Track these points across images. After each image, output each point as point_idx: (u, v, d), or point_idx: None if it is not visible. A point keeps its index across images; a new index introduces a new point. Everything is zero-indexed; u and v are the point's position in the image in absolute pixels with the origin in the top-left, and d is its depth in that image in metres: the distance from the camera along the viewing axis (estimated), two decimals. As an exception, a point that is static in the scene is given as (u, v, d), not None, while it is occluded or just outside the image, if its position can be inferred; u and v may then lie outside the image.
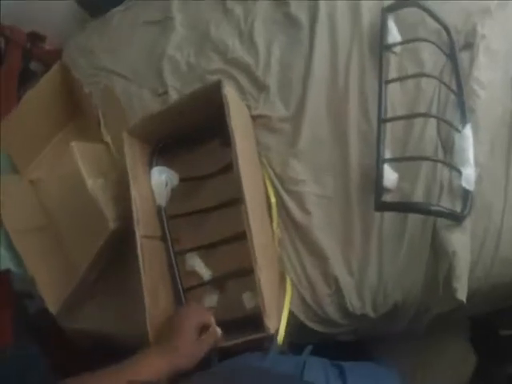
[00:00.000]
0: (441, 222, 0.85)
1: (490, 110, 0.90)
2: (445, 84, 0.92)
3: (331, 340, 0.98)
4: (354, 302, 0.91)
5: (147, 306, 0.89)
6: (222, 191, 1.03)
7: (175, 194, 1.07)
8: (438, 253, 0.84)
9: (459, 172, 0.83)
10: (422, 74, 0.96)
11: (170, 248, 1.02)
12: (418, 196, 0.89)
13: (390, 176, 0.89)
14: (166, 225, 1.03)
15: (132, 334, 1.00)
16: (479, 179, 0.85)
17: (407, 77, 0.97)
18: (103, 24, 1.41)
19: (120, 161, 1.09)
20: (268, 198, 1.02)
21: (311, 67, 1.07)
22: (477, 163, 0.85)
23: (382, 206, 0.85)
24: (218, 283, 1.02)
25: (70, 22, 1.48)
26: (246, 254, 0.94)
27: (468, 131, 0.87)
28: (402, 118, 0.93)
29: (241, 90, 1.13)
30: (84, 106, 1.26)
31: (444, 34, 0.99)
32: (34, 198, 1.20)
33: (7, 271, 1.13)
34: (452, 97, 0.94)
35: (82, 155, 0.99)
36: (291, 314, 0.92)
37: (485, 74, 0.93)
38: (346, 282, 0.91)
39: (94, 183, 0.99)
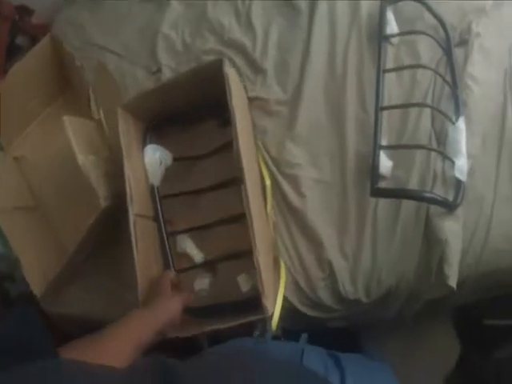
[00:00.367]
0: (434, 210, 0.88)
1: (483, 105, 0.93)
2: (441, 76, 0.95)
3: (322, 327, 1.00)
4: (347, 287, 0.93)
5: (139, 287, 0.89)
6: (216, 172, 1.03)
7: (168, 174, 1.06)
8: (431, 240, 0.87)
9: (452, 162, 0.87)
10: (419, 66, 0.99)
11: (163, 228, 1.01)
12: (413, 184, 0.92)
13: (385, 163, 0.92)
14: (159, 205, 1.02)
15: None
16: (471, 171, 0.88)
17: (405, 67, 1.00)
18: (95, -2, 1.38)
19: (111, 138, 1.08)
20: (263, 180, 1.02)
21: (309, 52, 1.08)
22: (469, 155, 0.88)
23: (378, 192, 0.87)
24: (210, 266, 1.02)
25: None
26: (240, 237, 0.95)
27: (461, 124, 0.90)
28: (399, 107, 0.96)
29: (237, 71, 1.12)
30: (74, 81, 1.22)
31: (440, 29, 1.02)
32: (19, 176, 1.16)
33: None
34: (446, 90, 0.97)
35: (73, 130, 0.97)
36: (284, 298, 0.92)
37: (478, 70, 0.96)
38: (340, 266, 0.93)
39: (85, 159, 0.97)
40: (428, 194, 0.86)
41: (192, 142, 1.07)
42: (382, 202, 0.93)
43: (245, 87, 1.11)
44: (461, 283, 0.83)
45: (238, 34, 1.17)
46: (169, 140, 1.08)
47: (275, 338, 0.86)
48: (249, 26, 1.17)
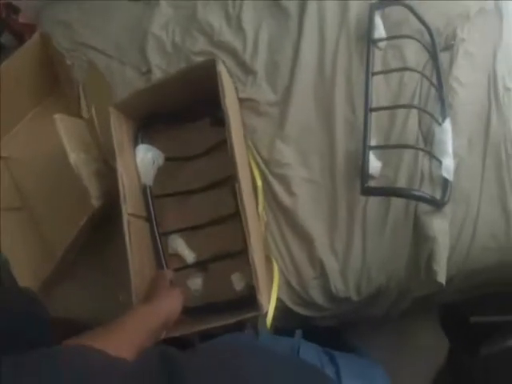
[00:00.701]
0: (422, 208, 0.92)
1: (468, 107, 0.98)
2: (427, 78, 0.99)
3: (312, 326, 1.02)
4: (338, 285, 0.96)
5: (133, 286, 0.90)
6: (208, 172, 1.05)
7: (160, 174, 1.08)
8: (420, 238, 0.90)
9: (439, 162, 0.91)
10: (406, 69, 1.03)
11: (155, 228, 1.03)
12: (401, 183, 0.95)
13: (374, 164, 0.95)
14: (151, 204, 1.04)
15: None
16: (457, 170, 0.92)
17: (393, 70, 1.04)
18: (83, -3, 1.39)
19: (102, 137, 1.10)
20: (254, 181, 1.04)
21: (299, 54, 1.11)
22: (455, 155, 0.92)
23: (368, 191, 0.91)
24: (202, 266, 1.04)
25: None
26: (231, 237, 0.98)
27: (447, 125, 0.94)
28: (388, 108, 0.99)
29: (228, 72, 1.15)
30: (63, 79, 1.23)
31: (426, 34, 1.07)
32: (6, 176, 1.16)
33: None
34: (432, 93, 1.01)
35: (65, 128, 0.98)
36: (276, 298, 0.94)
37: (463, 73, 1.01)
38: (331, 265, 0.96)
39: (77, 157, 0.98)
40: (417, 192, 0.91)
41: (184, 142, 1.09)
42: (372, 201, 0.97)
43: (236, 88, 1.14)
44: (449, 280, 0.86)
45: (228, 35, 1.19)
46: (160, 140, 1.09)
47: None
48: (239, 28, 1.19)
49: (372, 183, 0.94)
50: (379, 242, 0.95)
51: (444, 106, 0.98)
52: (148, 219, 1.04)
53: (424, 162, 0.96)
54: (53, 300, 1.09)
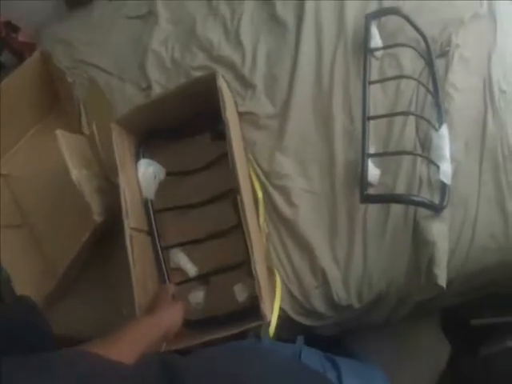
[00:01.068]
0: (421, 213, 0.97)
1: (464, 112, 1.04)
2: (423, 85, 1.05)
3: (314, 335, 1.06)
4: (340, 293, 1.00)
5: (136, 300, 0.94)
6: (209, 186, 1.11)
7: (161, 188, 1.14)
8: (419, 243, 0.95)
9: (437, 167, 0.95)
10: (403, 76, 1.09)
11: (158, 242, 1.08)
12: (400, 190, 1.01)
13: (372, 171, 1.01)
14: (153, 219, 1.09)
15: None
16: (455, 175, 0.97)
17: (389, 78, 1.10)
18: (83, 16, 1.48)
19: (103, 153, 1.15)
20: (254, 193, 1.10)
21: (297, 67, 1.18)
22: (452, 160, 0.97)
23: (367, 199, 0.96)
24: (204, 279, 1.08)
25: (45, 15, 1.52)
26: (233, 249, 1.03)
27: (444, 130, 1.00)
28: (385, 116, 1.05)
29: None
30: (63, 97, 1.30)
31: (422, 42, 1.13)
32: (6, 194, 1.22)
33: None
34: (429, 99, 1.07)
35: (66, 144, 1.03)
36: (279, 308, 0.99)
37: (459, 79, 1.07)
38: (333, 273, 1.01)
39: (79, 173, 1.03)
40: (416, 198, 0.96)
41: (185, 156, 1.15)
42: (371, 209, 1.02)
43: (235, 102, 1.19)
44: (449, 283, 0.91)
45: (226, 50, 1.27)
46: (161, 155, 1.16)
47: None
48: (237, 43, 1.27)
49: (371, 191, 0.99)
50: (379, 248, 0.99)
51: (440, 111, 1.03)
52: (150, 233, 1.08)
53: (422, 167, 1.01)
54: (55, 316, 1.13)
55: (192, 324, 1.00)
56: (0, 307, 0.81)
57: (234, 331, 0.88)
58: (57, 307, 1.15)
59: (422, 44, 1.13)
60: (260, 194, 1.09)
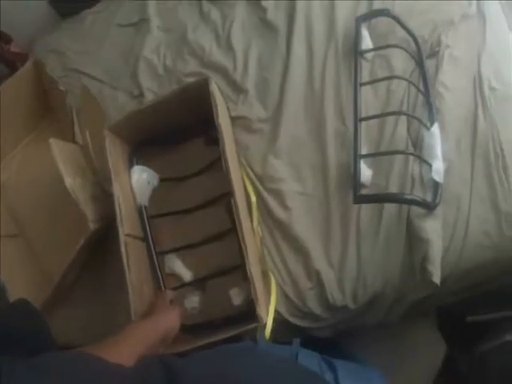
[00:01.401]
0: (414, 212, 1.00)
1: (455, 111, 1.07)
2: (414, 85, 1.09)
3: (310, 337, 1.08)
4: (335, 294, 1.03)
5: (132, 307, 0.97)
6: (202, 191, 1.15)
7: (155, 195, 1.17)
8: (413, 241, 0.99)
9: (429, 165, 0.99)
10: (393, 77, 1.13)
11: (152, 248, 1.11)
12: (393, 190, 1.04)
13: (365, 172, 1.04)
14: (147, 224, 1.12)
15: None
16: (447, 173, 1.00)
17: (381, 79, 1.14)
18: (74, 26, 1.53)
19: (96, 161, 1.18)
20: (248, 197, 1.13)
21: (288, 70, 1.22)
22: (444, 158, 1.01)
23: (361, 199, 0.99)
24: (199, 284, 1.11)
25: (37, 25, 1.57)
26: (227, 253, 1.07)
27: (436, 129, 1.03)
28: (377, 117, 1.08)
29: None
30: (56, 105, 1.34)
31: (412, 43, 1.17)
32: (1, 204, 1.25)
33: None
34: (420, 99, 1.11)
35: (60, 153, 1.07)
36: (274, 310, 1.01)
37: (449, 78, 1.11)
38: (327, 275, 1.04)
39: (72, 182, 1.07)
40: (409, 196, 0.99)
41: (178, 162, 1.19)
42: (364, 210, 1.05)
43: (228, 107, 1.23)
44: (443, 281, 0.94)
45: (218, 56, 1.32)
46: (155, 161, 1.19)
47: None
48: (229, 48, 1.32)
49: (364, 192, 1.03)
50: (373, 248, 1.03)
51: (432, 110, 1.07)
52: (144, 239, 1.12)
53: (414, 167, 1.04)
54: (52, 325, 1.16)
55: (188, 329, 1.03)
56: None
57: (231, 334, 0.91)
58: (53, 315, 1.17)
59: (413, 45, 1.17)
60: (254, 198, 1.12)
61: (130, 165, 1.16)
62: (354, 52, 1.17)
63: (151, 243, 1.11)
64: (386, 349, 1.13)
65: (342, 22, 1.25)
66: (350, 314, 1.04)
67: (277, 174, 1.14)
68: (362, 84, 1.12)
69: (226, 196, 1.01)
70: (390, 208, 1.03)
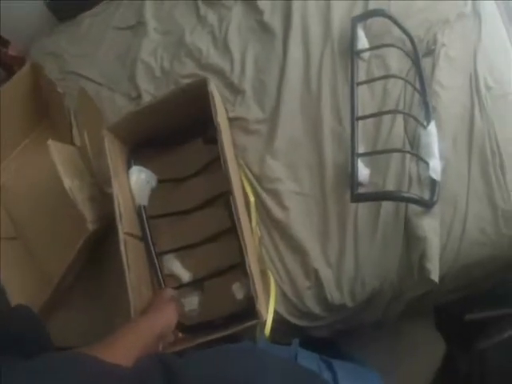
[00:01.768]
0: (412, 210, 1.01)
1: (451, 109, 1.09)
2: (410, 84, 1.10)
3: (308, 337, 1.10)
4: (333, 293, 1.04)
5: (132, 306, 0.97)
6: (201, 191, 1.16)
7: (153, 196, 1.18)
8: (411, 239, 1.00)
9: (427, 163, 1.00)
10: (390, 76, 1.14)
11: (152, 248, 1.12)
12: (390, 188, 1.05)
13: (362, 171, 1.05)
14: (146, 224, 1.13)
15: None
16: (444, 171, 1.02)
17: (377, 78, 1.15)
18: (72, 29, 1.55)
19: (94, 162, 1.19)
20: (246, 197, 1.14)
21: (285, 71, 1.24)
22: (441, 157, 1.02)
23: (358, 198, 1.00)
24: (198, 284, 1.12)
25: (35, 28, 1.58)
26: (227, 253, 1.08)
27: (432, 128, 1.05)
28: (374, 115, 1.10)
29: (217, 92, 1.27)
30: (53, 108, 1.35)
31: (408, 42, 1.19)
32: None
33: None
34: (416, 98, 1.13)
35: (58, 154, 1.08)
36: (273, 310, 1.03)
37: (445, 77, 1.12)
38: (325, 273, 1.05)
39: (71, 183, 1.08)
40: (406, 194, 1.01)
41: (176, 163, 1.20)
42: (362, 208, 1.06)
43: (225, 109, 1.25)
44: (441, 279, 0.95)
45: (215, 58, 1.33)
46: (153, 162, 1.20)
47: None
48: (226, 50, 1.33)
49: (361, 190, 1.04)
50: (371, 247, 1.04)
51: (428, 109, 1.09)
52: (143, 239, 1.12)
53: (411, 165, 1.06)
54: (51, 328, 1.17)
55: (188, 329, 1.04)
56: None
57: (230, 331, 0.91)
58: (51, 317, 1.18)
59: (408, 44, 1.19)
60: (252, 198, 1.14)
61: (128, 166, 1.16)
62: (351, 52, 1.19)
63: (150, 243, 1.12)
64: (385, 348, 1.14)
65: (338, 22, 1.26)
66: (349, 312, 1.04)
67: (274, 174, 1.15)
68: (358, 83, 1.13)
69: (225, 196, 1.02)
70: (387, 206, 1.04)
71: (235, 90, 1.28)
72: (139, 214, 1.14)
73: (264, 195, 1.14)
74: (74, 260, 1.11)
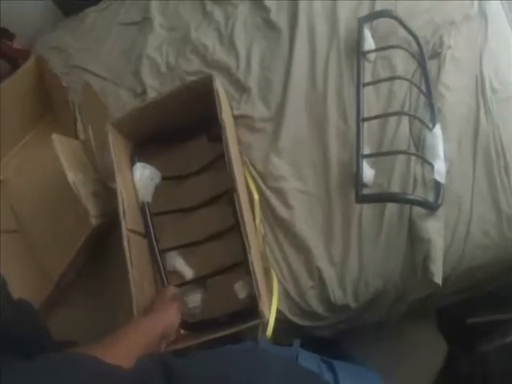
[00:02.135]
0: (416, 212, 1.01)
1: (457, 111, 1.09)
2: (416, 86, 1.10)
3: (310, 337, 1.10)
4: (336, 293, 1.04)
5: (135, 301, 0.96)
6: (205, 189, 1.15)
7: (157, 193, 1.18)
8: (415, 240, 1.00)
9: (431, 166, 1.00)
10: (396, 77, 1.14)
11: (155, 245, 1.12)
12: (394, 190, 1.05)
13: (367, 172, 1.05)
14: (149, 221, 1.13)
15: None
16: (449, 173, 1.02)
17: (383, 79, 1.15)
18: (77, 23, 1.54)
19: (98, 157, 1.19)
20: (250, 195, 1.14)
21: (291, 70, 1.24)
22: (446, 159, 1.02)
23: (363, 199, 1.00)
24: (201, 282, 1.11)
25: (40, 22, 1.58)
26: (230, 251, 1.07)
27: (438, 130, 1.04)
28: (379, 117, 1.10)
29: (222, 89, 1.27)
30: (58, 102, 1.35)
31: (414, 43, 1.19)
32: (2, 200, 1.26)
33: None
34: (422, 100, 1.12)
35: (62, 148, 1.08)
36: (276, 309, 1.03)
37: (451, 79, 1.12)
38: (329, 273, 1.05)
39: (75, 177, 1.08)
40: (411, 196, 1.01)
41: (180, 160, 1.20)
42: (366, 209, 1.06)
43: (230, 106, 1.25)
44: (445, 281, 0.95)
45: (221, 54, 1.33)
46: (157, 159, 1.20)
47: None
48: (232, 47, 1.33)
49: (366, 191, 1.04)
50: (375, 247, 1.04)
51: (434, 111, 1.09)
52: (146, 236, 1.12)
53: (416, 167, 1.06)
54: (52, 324, 1.17)
55: (190, 326, 1.03)
56: None
57: (233, 330, 0.91)
58: (52, 314, 1.18)
59: (414, 45, 1.19)
60: (256, 196, 1.13)
61: (132, 163, 1.16)
62: (357, 53, 1.18)
63: (154, 240, 1.12)
64: (387, 349, 1.14)
65: (344, 22, 1.26)
66: (351, 312, 1.04)
67: (279, 172, 1.15)
68: (364, 84, 1.13)
69: (229, 193, 1.02)
70: (392, 208, 1.04)
71: (241, 87, 1.28)
72: (143, 211, 1.13)
73: (268, 193, 1.14)
74: (75, 256, 1.11)
